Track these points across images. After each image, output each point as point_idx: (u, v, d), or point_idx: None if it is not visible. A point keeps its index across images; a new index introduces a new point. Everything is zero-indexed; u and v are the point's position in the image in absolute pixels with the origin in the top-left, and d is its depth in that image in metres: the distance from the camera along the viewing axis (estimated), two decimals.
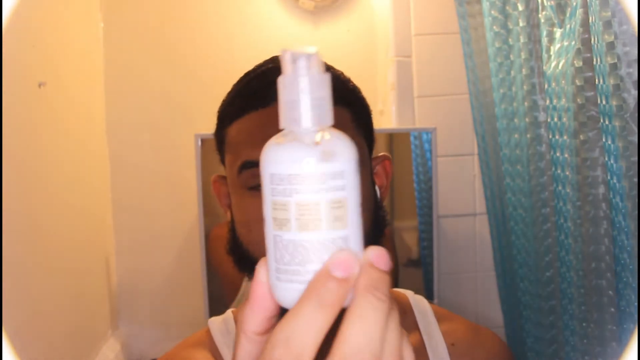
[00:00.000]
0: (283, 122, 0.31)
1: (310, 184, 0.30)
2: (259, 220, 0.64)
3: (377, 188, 0.73)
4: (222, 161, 0.73)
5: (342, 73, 0.72)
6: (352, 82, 0.71)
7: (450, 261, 1.54)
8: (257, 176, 0.63)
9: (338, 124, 0.62)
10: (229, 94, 0.72)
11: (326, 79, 0.31)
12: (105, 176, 1.54)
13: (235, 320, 0.73)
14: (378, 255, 0.32)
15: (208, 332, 0.72)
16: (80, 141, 1.35)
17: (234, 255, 0.69)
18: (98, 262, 1.46)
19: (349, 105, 0.64)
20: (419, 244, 1.47)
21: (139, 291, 1.57)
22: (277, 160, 0.30)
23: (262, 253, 0.68)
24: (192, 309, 1.52)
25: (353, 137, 0.61)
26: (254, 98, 0.65)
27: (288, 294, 0.31)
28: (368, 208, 0.66)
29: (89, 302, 1.37)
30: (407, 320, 0.74)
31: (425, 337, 0.72)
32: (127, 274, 1.57)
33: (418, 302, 0.77)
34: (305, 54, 0.31)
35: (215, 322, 0.73)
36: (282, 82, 0.31)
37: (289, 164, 0.30)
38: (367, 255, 0.31)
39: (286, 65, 0.31)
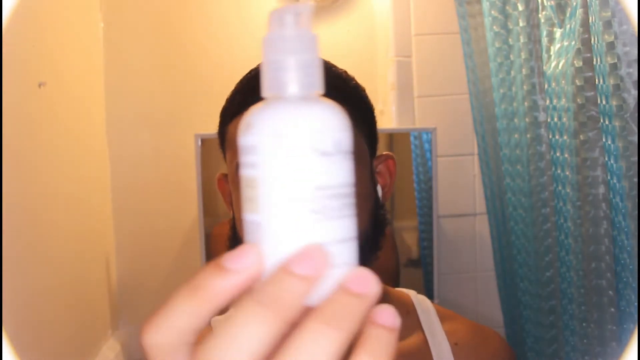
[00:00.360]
0: (265, 87, 0.27)
1: (318, 155, 0.26)
2: None
3: (379, 187, 0.74)
4: (225, 159, 0.73)
5: (345, 72, 0.72)
6: (355, 81, 0.71)
7: (450, 261, 1.54)
8: None
9: None
10: (231, 92, 0.72)
11: (314, 38, 0.26)
12: (105, 176, 1.54)
13: None
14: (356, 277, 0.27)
15: (211, 330, 0.73)
16: (80, 141, 1.35)
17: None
18: (98, 262, 1.46)
19: (347, 103, 0.65)
20: (419, 244, 1.47)
21: (139, 291, 1.57)
22: (284, 122, 0.26)
23: None
24: None
25: (354, 136, 0.61)
26: (252, 94, 0.65)
27: None
28: (368, 207, 0.66)
29: (89, 302, 1.37)
30: (411, 320, 0.74)
31: (428, 337, 0.73)
32: (127, 274, 1.57)
33: (421, 301, 0.77)
34: (294, 9, 0.25)
35: (219, 322, 0.74)
36: (266, 40, 0.26)
37: (264, 131, 0.26)
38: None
39: (272, 24, 0.26)
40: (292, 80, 0.26)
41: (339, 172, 0.27)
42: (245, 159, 0.26)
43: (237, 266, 0.26)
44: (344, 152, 0.27)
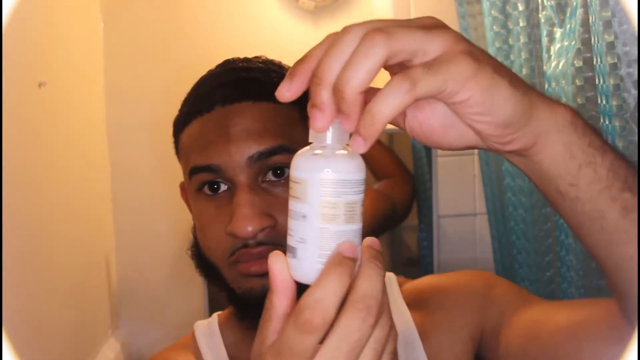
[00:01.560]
0: (313, 137, 0.40)
1: (354, 188, 0.40)
2: (209, 224, 0.64)
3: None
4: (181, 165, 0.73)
5: None
6: None
7: (450, 261, 1.54)
8: (205, 181, 0.63)
9: (286, 124, 0.62)
10: (183, 101, 0.72)
11: None
12: (105, 176, 1.54)
13: (219, 323, 0.74)
14: (373, 240, 0.42)
15: (193, 335, 0.73)
16: (80, 141, 1.35)
17: (196, 259, 0.69)
18: (98, 262, 1.46)
19: (299, 104, 0.64)
20: (419, 244, 1.47)
21: (139, 291, 1.57)
22: (321, 167, 0.39)
23: (216, 258, 0.67)
24: (192, 309, 1.52)
25: (302, 134, 0.62)
26: (199, 102, 0.65)
27: (302, 271, 0.40)
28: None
29: (89, 302, 1.37)
30: None
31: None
32: (127, 274, 1.57)
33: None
34: None
35: (200, 326, 0.74)
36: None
37: (343, 172, 0.39)
38: (366, 241, 0.41)
39: None
40: (329, 136, 0.40)
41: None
42: (359, 188, 0.40)
43: (354, 255, 0.40)
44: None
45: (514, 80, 0.41)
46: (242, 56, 0.73)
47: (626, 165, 0.45)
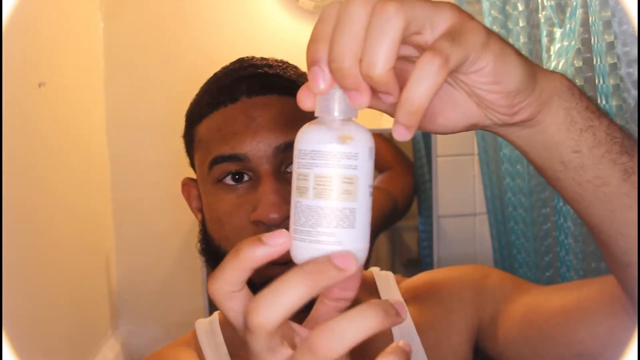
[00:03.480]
0: (317, 111, 0.38)
1: (327, 160, 0.36)
2: (230, 214, 0.65)
3: None
4: (192, 163, 0.73)
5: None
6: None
7: (450, 261, 1.54)
8: (227, 172, 0.64)
9: (310, 118, 0.64)
10: (197, 95, 0.73)
11: None
12: (105, 176, 1.54)
13: (221, 322, 0.74)
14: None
15: (195, 333, 0.73)
16: (80, 141, 1.35)
17: (206, 255, 0.69)
18: (98, 262, 1.46)
19: None
20: (419, 244, 1.47)
21: (139, 291, 1.57)
22: (304, 140, 0.37)
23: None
24: (192, 309, 1.52)
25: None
26: (222, 94, 0.66)
27: (299, 251, 0.37)
28: None
29: (89, 302, 1.37)
30: (368, 290, 0.75)
31: (382, 296, 0.74)
32: (127, 274, 1.57)
33: (382, 275, 0.79)
34: None
35: (201, 324, 0.74)
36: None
37: (313, 142, 0.37)
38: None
39: None
40: (337, 107, 0.38)
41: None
42: (346, 161, 0.36)
43: (271, 242, 0.36)
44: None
45: (515, 48, 0.41)
46: (240, 56, 0.73)
47: (620, 129, 0.46)
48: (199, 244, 0.72)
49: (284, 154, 0.62)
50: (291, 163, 0.62)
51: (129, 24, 1.54)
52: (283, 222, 0.61)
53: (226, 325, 0.73)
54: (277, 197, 0.60)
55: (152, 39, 1.55)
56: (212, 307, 1.35)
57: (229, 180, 0.64)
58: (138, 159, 1.56)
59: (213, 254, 0.68)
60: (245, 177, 0.64)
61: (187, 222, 1.54)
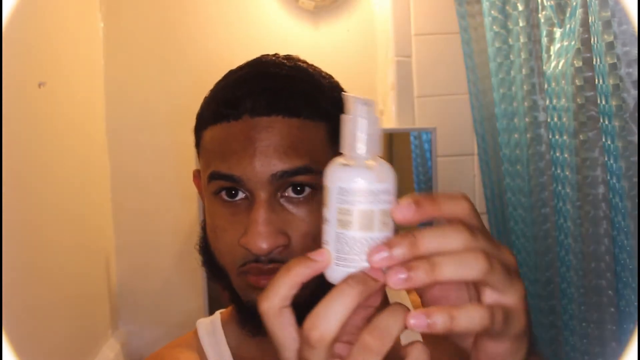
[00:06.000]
0: (344, 148, 0.42)
1: (368, 197, 0.42)
2: (224, 229, 0.63)
3: None
4: (199, 159, 0.72)
5: (329, 79, 0.68)
6: (337, 90, 0.67)
7: None
8: (223, 187, 0.63)
9: (313, 142, 0.61)
10: (209, 94, 0.71)
11: (377, 120, 0.42)
12: (106, 176, 1.54)
13: (222, 321, 0.74)
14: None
15: (196, 333, 0.73)
16: (80, 140, 1.35)
17: (204, 255, 0.69)
18: (98, 262, 1.46)
19: (326, 119, 0.62)
20: None
21: (139, 291, 1.57)
22: (345, 178, 0.42)
23: (226, 263, 0.67)
24: (192, 309, 1.52)
25: (327, 153, 0.60)
26: (227, 107, 0.63)
27: (340, 275, 0.41)
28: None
29: (89, 302, 1.37)
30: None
31: (391, 299, 0.73)
32: (127, 274, 1.57)
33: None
34: (364, 99, 0.42)
35: (203, 323, 0.74)
36: (346, 119, 0.42)
37: (354, 181, 0.41)
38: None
39: (349, 106, 0.42)
40: (366, 147, 0.42)
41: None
42: (383, 197, 0.42)
43: (319, 258, 0.41)
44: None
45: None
46: (242, 56, 0.72)
47: None
48: (198, 244, 0.71)
49: (281, 181, 0.60)
50: (289, 188, 0.61)
51: (129, 24, 1.54)
52: (274, 252, 0.59)
53: (228, 325, 0.73)
54: (267, 228, 0.58)
55: (152, 39, 1.55)
56: (212, 307, 1.35)
57: (224, 195, 0.63)
58: (138, 159, 1.56)
59: (209, 258, 0.67)
60: (241, 194, 0.63)
61: (187, 222, 1.55)
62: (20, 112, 1.02)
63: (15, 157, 0.96)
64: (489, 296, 0.41)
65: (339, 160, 0.43)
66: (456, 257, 0.41)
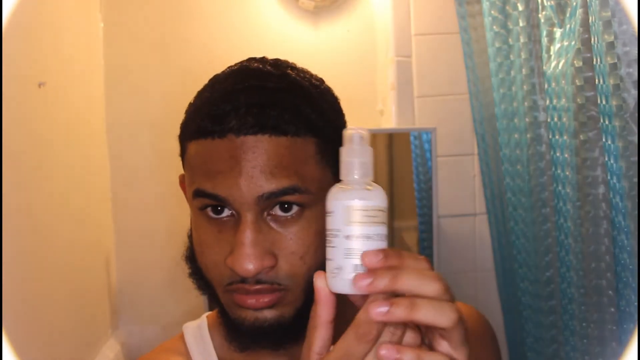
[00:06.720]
0: (343, 175, 0.50)
1: (364, 216, 0.48)
2: (210, 246, 0.62)
3: None
4: (183, 167, 0.70)
5: (319, 86, 0.65)
6: (328, 98, 0.64)
7: (450, 261, 1.54)
8: (208, 204, 0.61)
9: (301, 160, 0.62)
10: (192, 104, 0.69)
11: (371, 150, 0.50)
12: (105, 176, 1.54)
13: (209, 325, 0.73)
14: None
15: (182, 337, 0.72)
16: (80, 140, 1.35)
17: (191, 265, 0.67)
18: (98, 262, 1.46)
19: (314, 134, 0.60)
20: (419, 244, 1.47)
21: (139, 291, 1.57)
22: (345, 199, 0.48)
23: (212, 278, 0.66)
24: (192, 309, 1.52)
25: (316, 169, 0.59)
26: (212, 123, 0.60)
27: (340, 283, 0.47)
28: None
29: (89, 302, 1.37)
30: None
31: None
32: (127, 274, 1.57)
33: None
34: (359, 133, 0.50)
35: (189, 328, 0.73)
36: (344, 150, 0.50)
37: (353, 202, 0.48)
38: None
39: (347, 139, 0.50)
40: (358, 172, 0.49)
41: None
42: (379, 214, 0.48)
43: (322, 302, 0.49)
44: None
45: None
46: (241, 56, 0.70)
47: None
48: (185, 254, 0.70)
49: (267, 202, 0.58)
50: (276, 206, 0.60)
51: (128, 24, 1.54)
52: (261, 273, 0.58)
53: (215, 329, 0.72)
54: (253, 250, 0.57)
55: (152, 39, 1.55)
56: (212, 307, 1.35)
57: (210, 212, 0.62)
58: (138, 159, 1.56)
59: (197, 268, 0.66)
60: (227, 211, 0.61)
61: (186, 222, 1.54)
62: (20, 111, 1.02)
63: (14, 157, 0.96)
64: (444, 347, 0.45)
65: (339, 185, 0.49)
66: (435, 304, 0.43)
